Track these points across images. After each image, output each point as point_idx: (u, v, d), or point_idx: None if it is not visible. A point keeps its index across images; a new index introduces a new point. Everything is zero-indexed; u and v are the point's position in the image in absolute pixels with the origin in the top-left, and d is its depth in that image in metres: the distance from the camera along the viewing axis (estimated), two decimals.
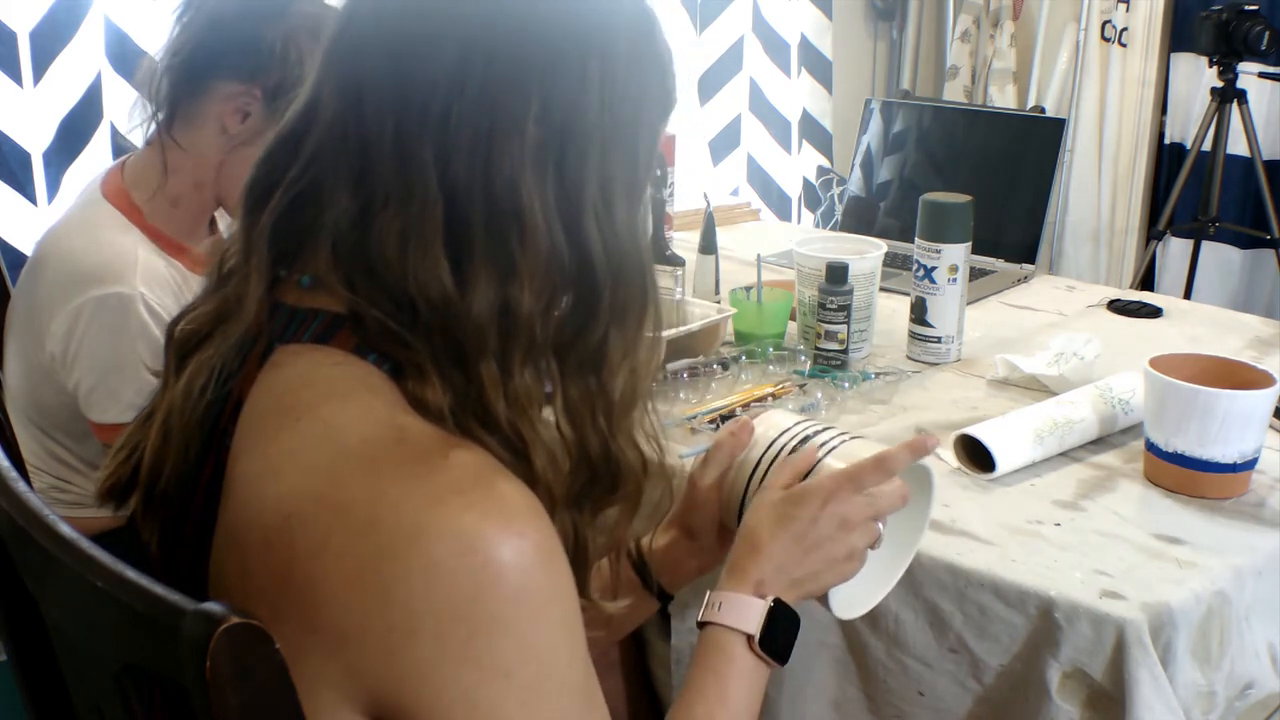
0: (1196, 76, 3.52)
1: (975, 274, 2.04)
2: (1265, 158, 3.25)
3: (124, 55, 2.22)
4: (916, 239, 1.67)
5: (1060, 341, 1.62)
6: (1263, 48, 3.07)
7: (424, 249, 0.75)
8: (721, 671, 0.94)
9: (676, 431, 1.43)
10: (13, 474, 0.87)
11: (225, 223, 1.62)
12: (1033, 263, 2.16)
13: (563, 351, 0.80)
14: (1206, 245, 3.45)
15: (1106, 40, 3.66)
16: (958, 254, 1.65)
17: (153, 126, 1.48)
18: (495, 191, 0.76)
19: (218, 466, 0.78)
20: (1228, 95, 3.16)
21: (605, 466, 0.84)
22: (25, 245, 2.15)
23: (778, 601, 0.95)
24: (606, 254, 0.79)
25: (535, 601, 0.72)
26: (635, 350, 0.83)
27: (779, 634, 0.95)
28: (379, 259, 0.76)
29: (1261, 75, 3.25)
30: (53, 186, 2.20)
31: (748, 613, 0.95)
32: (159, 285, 1.45)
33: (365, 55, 0.78)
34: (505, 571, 0.70)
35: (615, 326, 0.81)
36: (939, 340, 1.68)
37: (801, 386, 1.57)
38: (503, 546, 0.70)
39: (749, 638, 0.94)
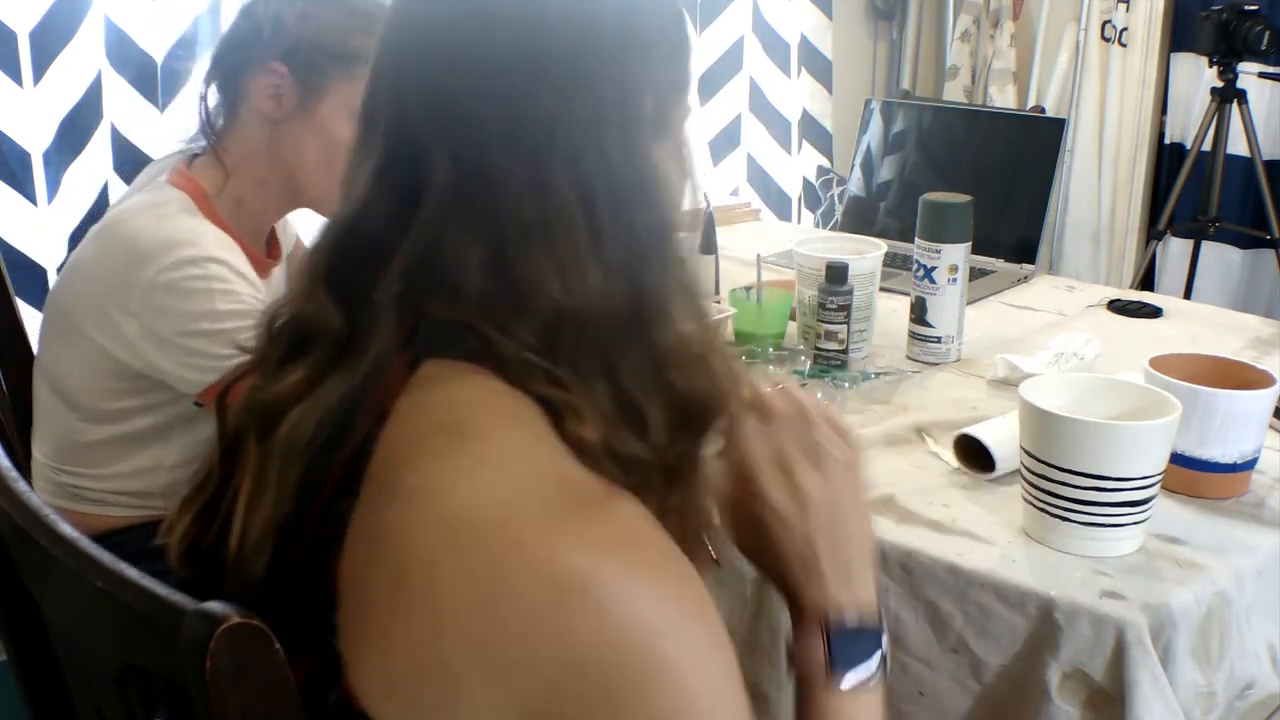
0: (1196, 76, 3.52)
1: (975, 274, 2.04)
2: (1265, 158, 3.24)
3: (124, 55, 2.21)
4: (916, 239, 1.67)
5: (1060, 341, 1.62)
6: (1263, 48, 3.07)
7: (580, 266, 0.75)
8: None
9: None
10: (13, 474, 0.87)
11: (284, 235, 1.62)
12: (1033, 263, 2.16)
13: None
14: (1206, 245, 3.45)
15: (1106, 40, 3.65)
16: (958, 254, 1.65)
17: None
18: (625, 180, 0.77)
19: (350, 474, 0.75)
20: (1228, 95, 3.16)
21: (697, 404, 0.80)
22: (25, 245, 2.15)
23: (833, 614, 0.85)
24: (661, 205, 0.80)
25: (696, 654, 0.70)
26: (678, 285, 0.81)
27: (851, 646, 0.84)
28: (532, 292, 0.75)
29: (1261, 75, 3.25)
30: (53, 186, 2.20)
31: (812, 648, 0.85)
32: (232, 254, 1.41)
33: (473, 115, 0.76)
34: (668, 627, 0.69)
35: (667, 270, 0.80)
36: (939, 340, 1.68)
37: (802, 386, 1.57)
38: (663, 603, 0.70)
39: (825, 675, 0.84)
